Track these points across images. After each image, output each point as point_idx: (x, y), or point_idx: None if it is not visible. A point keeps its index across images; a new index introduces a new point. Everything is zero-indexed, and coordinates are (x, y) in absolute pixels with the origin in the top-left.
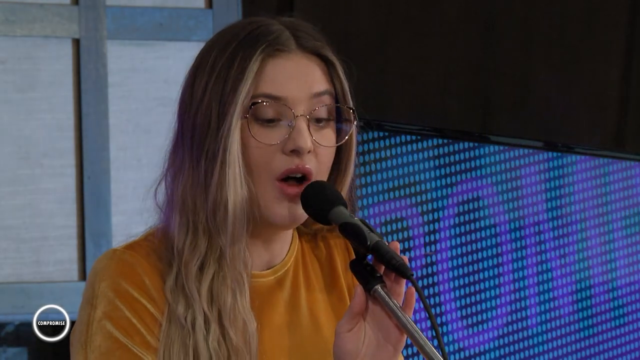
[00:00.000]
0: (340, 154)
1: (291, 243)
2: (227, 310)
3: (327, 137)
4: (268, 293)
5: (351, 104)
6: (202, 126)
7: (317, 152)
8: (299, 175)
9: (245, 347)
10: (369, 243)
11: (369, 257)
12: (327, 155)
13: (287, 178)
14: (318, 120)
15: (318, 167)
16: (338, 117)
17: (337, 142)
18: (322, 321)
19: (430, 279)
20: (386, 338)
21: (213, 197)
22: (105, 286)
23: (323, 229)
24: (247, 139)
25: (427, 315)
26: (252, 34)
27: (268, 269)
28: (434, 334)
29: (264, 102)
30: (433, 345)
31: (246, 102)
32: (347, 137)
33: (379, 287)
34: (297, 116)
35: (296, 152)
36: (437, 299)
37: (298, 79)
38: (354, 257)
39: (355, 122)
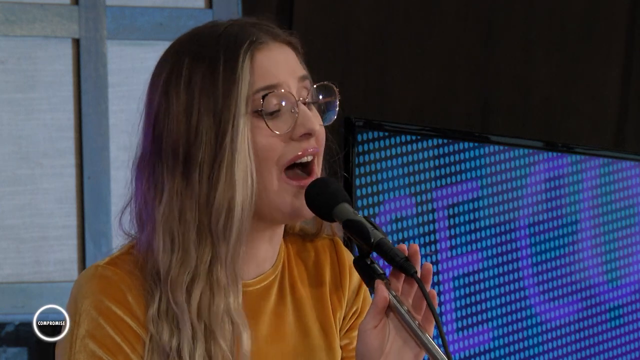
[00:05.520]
0: None
1: (279, 250)
2: (218, 320)
3: (319, 118)
4: (255, 302)
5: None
6: (190, 139)
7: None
8: (308, 159)
9: (234, 356)
10: (372, 240)
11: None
12: (324, 135)
13: (293, 166)
14: (306, 104)
15: (319, 149)
16: (326, 97)
17: (327, 121)
18: (308, 327)
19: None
20: (411, 336)
21: (219, 203)
22: (88, 304)
23: (309, 231)
24: (256, 134)
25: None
26: (225, 38)
27: (256, 277)
28: (437, 333)
29: (265, 94)
30: (437, 344)
31: (249, 100)
32: (335, 115)
33: (378, 282)
34: (297, 100)
35: (307, 135)
36: (437, 298)
37: (284, 64)
38: (342, 255)
39: (338, 97)
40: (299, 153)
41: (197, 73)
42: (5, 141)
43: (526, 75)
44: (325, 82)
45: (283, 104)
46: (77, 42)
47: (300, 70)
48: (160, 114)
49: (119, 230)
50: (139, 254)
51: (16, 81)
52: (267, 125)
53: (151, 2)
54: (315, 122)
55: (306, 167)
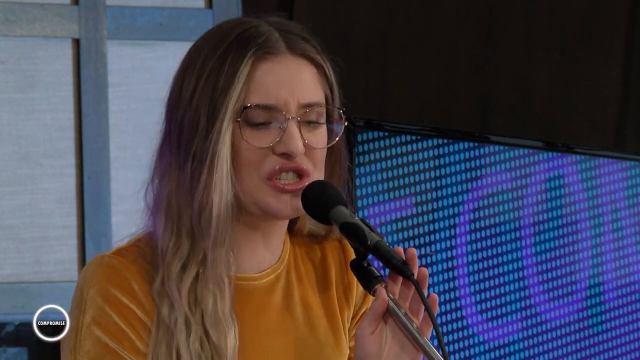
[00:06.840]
0: (330, 157)
1: (283, 246)
2: (208, 313)
3: (320, 138)
4: (262, 296)
5: (339, 104)
6: (189, 127)
7: (310, 153)
8: (287, 176)
9: (226, 350)
10: (369, 243)
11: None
12: (320, 156)
13: (279, 177)
14: (309, 122)
15: (313, 168)
16: (329, 119)
17: (328, 144)
18: (316, 323)
19: (429, 279)
20: (409, 339)
21: (199, 200)
22: (94, 292)
23: (317, 233)
24: (238, 141)
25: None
26: (242, 36)
27: (261, 271)
28: (434, 334)
29: (255, 108)
30: (433, 345)
31: (237, 106)
32: (337, 138)
33: (378, 287)
34: (288, 119)
35: (287, 155)
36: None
37: (288, 84)
38: (349, 257)
39: (345, 123)
40: (277, 167)
41: (208, 64)
42: (5, 141)
43: (526, 75)
44: (336, 107)
45: (273, 117)
46: (77, 42)
47: (310, 95)
48: (174, 96)
49: (143, 201)
50: (145, 246)
51: (16, 81)
52: (245, 136)
53: (151, 2)
54: (299, 143)
55: (298, 176)
